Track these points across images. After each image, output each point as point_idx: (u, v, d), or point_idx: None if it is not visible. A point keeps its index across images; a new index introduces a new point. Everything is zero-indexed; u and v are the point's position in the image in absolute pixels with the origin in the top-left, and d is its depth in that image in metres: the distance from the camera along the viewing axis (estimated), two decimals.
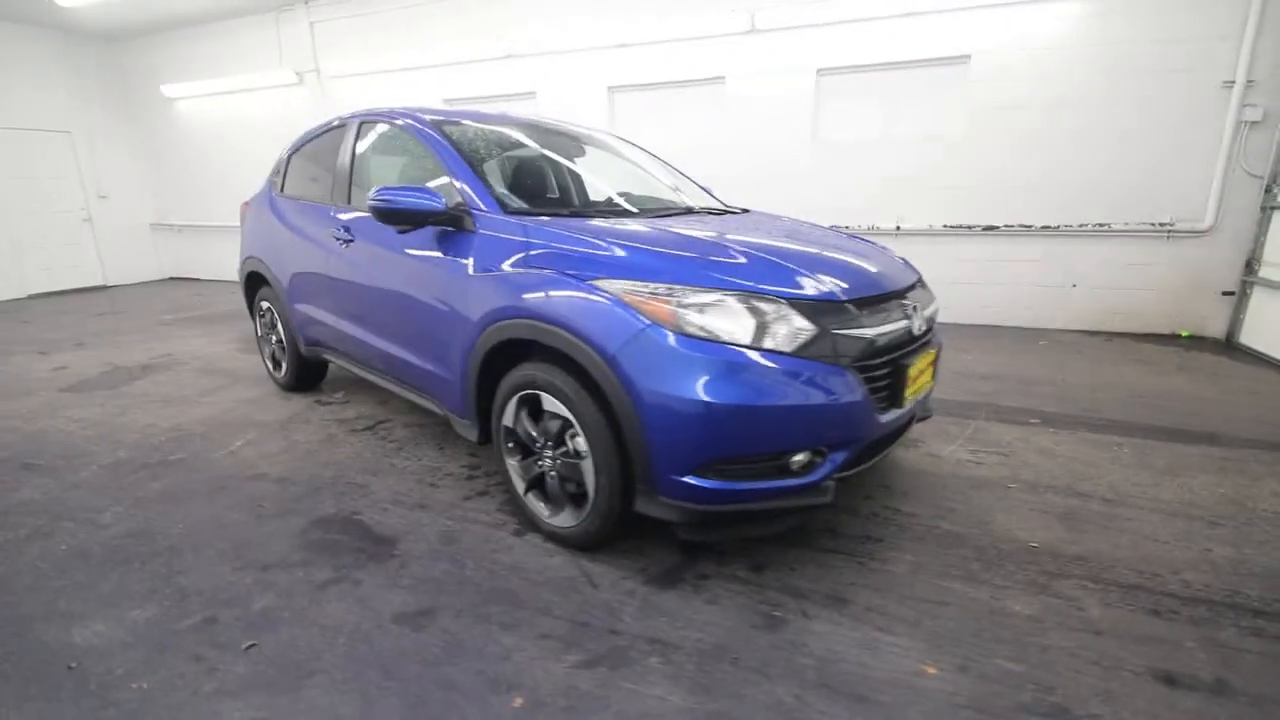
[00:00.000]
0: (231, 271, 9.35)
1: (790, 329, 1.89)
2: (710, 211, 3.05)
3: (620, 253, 2.07)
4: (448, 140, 2.74)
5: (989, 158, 5.59)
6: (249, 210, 4.23)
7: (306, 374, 4.07)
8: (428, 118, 2.91)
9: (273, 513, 2.62)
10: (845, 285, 2.06)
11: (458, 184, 2.55)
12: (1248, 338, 5.07)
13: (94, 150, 9.24)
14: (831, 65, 5.90)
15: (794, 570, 2.19)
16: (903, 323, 2.18)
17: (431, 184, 3.03)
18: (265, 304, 4.09)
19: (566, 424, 2.14)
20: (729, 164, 6.27)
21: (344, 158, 3.27)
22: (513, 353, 2.32)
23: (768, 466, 1.93)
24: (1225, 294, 5.23)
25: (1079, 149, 5.33)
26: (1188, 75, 4.95)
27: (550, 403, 2.16)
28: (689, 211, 2.95)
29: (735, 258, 2.05)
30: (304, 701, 1.63)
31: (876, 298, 2.14)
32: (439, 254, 2.54)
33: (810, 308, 1.94)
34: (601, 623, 1.92)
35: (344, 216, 3.14)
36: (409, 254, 2.67)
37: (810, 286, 1.99)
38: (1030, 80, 5.34)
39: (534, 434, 2.28)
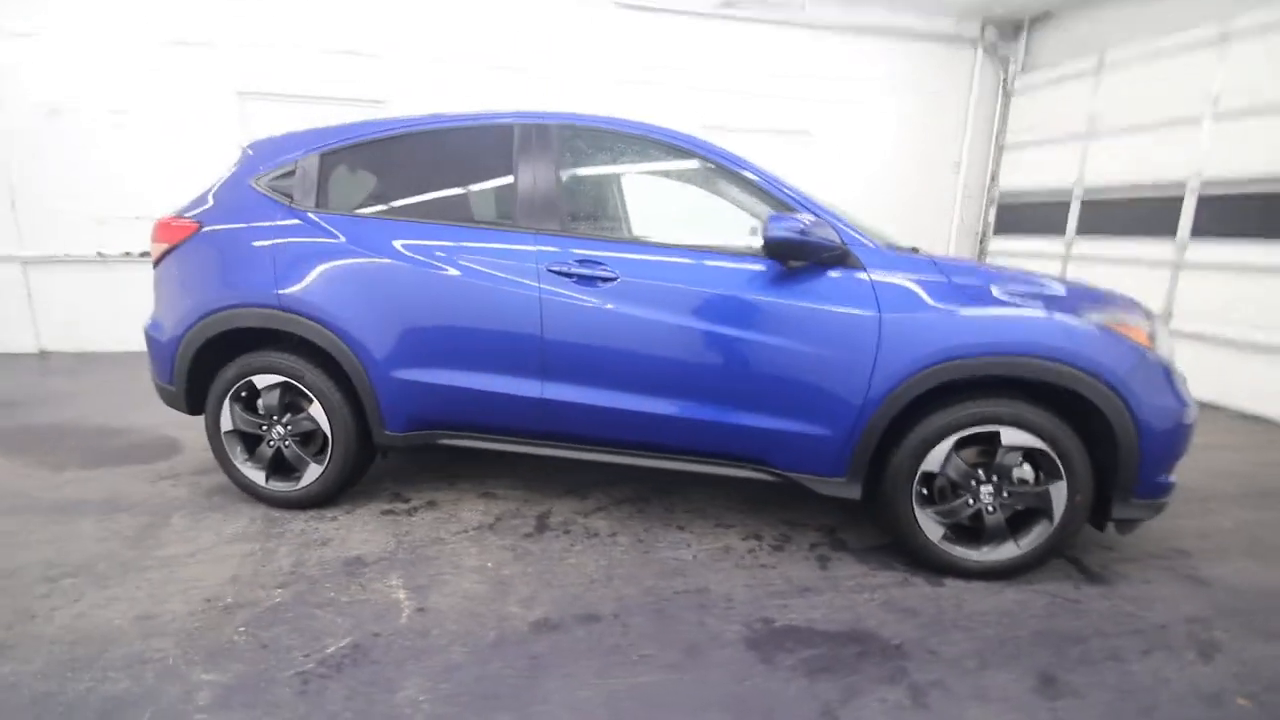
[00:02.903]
0: None
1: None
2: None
3: (1060, 289, 2.27)
4: (752, 161, 2.42)
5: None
6: (210, 237, 2.61)
7: (356, 473, 2.75)
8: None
9: (676, 662, 1.88)
10: None
11: (810, 216, 2.29)
12: None
13: None
14: (717, 124, 6.57)
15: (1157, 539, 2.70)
16: None
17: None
18: (266, 379, 2.59)
19: (1027, 453, 2.22)
20: None
21: (540, 174, 2.43)
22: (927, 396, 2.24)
23: None
24: None
25: (884, 210, 7.17)
26: (936, 158, 7.21)
27: (1012, 436, 2.19)
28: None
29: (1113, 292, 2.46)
30: None
31: None
32: (807, 293, 2.24)
33: None
34: (1190, 629, 2.10)
35: (594, 250, 2.35)
36: (767, 298, 2.25)
37: None
38: (854, 155, 6.96)
39: (968, 472, 2.25)
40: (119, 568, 2.27)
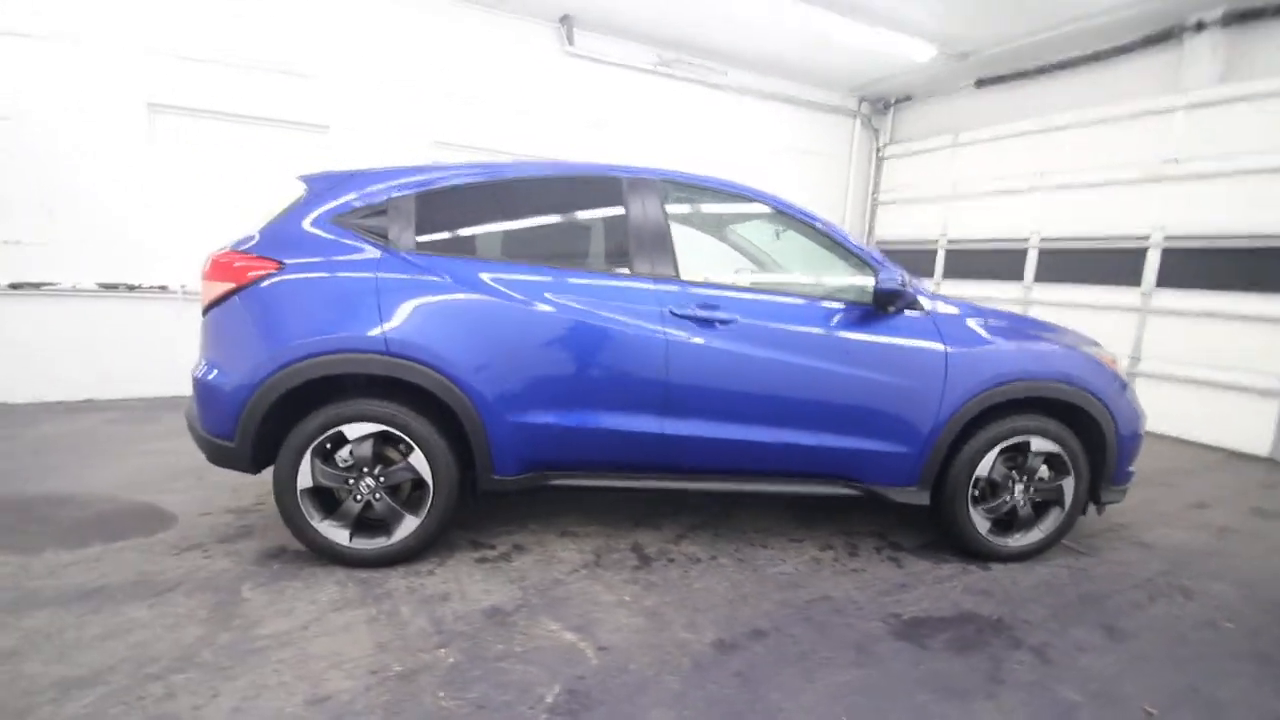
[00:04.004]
0: None
1: None
2: None
3: (1058, 328, 2.94)
4: (825, 219, 2.84)
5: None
6: (292, 276, 2.39)
7: (449, 522, 2.64)
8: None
9: (856, 659, 2.14)
10: None
11: (887, 269, 2.73)
12: None
13: None
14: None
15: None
16: None
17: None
18: (360, 428, 2.42)
19: (1046, 457, 2.83)
20: None
21: (650, 223, 2.61)
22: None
23: None
24: None
25: None
26: (828, 210, 8.31)
27: (1039, 444, 2.79)
28: None
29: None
30: None
31: None
32: (892, 332, 2.68)
33: None
34: (1166, 580, 2.77)
35: (712, 293, 2.57)
36: (861, 336, 2.65)
37: None
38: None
39: (1007, 474, 2.81)
40: (228, 653, 1.99)
